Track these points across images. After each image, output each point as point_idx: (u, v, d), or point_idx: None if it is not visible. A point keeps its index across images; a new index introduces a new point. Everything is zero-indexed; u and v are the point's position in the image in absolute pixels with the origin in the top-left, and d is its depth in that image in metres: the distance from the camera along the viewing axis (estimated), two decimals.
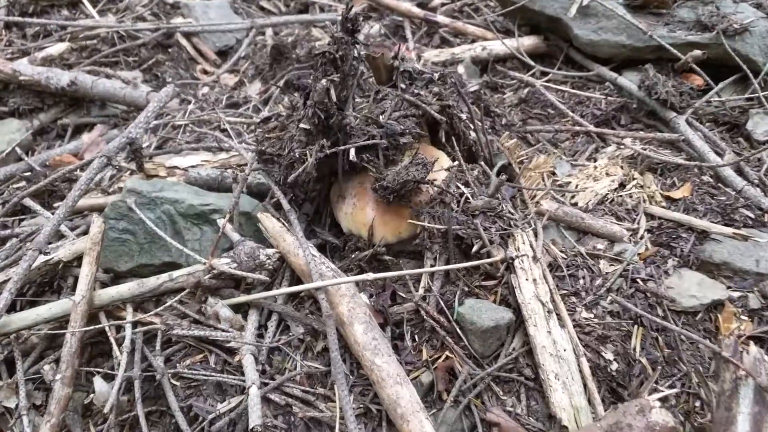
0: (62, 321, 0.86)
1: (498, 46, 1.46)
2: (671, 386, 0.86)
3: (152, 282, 0.88)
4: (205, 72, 1.60)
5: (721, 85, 1.34)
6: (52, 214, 1.06)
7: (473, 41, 1.56)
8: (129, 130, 0.97)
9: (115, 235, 0.90)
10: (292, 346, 0.85)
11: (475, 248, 0.87)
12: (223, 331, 0.84)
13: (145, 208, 0.92)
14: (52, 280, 0.96)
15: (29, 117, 1.44)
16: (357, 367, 0.84)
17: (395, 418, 0.73)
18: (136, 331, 0.83)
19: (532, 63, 1.43)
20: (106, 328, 0.83)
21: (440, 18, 1.57)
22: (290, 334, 0.86)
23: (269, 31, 1.70)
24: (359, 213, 0.90)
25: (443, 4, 1.72)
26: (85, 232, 1.01)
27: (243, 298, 0.87)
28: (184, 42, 1.63)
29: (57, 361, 0.84)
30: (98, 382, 0.79)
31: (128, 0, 1.77)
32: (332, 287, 0.84)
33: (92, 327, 0.81)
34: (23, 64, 1.45)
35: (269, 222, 0.91)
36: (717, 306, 0.94)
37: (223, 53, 1.67)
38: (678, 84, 1.23)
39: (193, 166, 1.07)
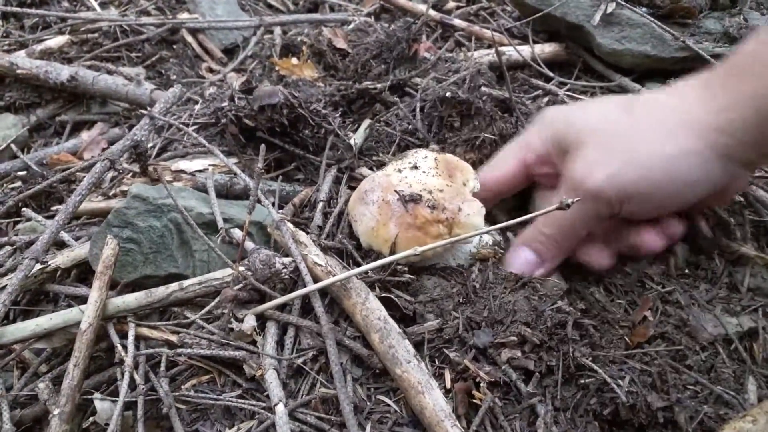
0: (64, 332, 0.80)
1: (520, 52, 1.41)
2: None
3: (161, 292, 0.82)
4: (211, 70, 1.54)
5: None
6: (49, 218, 1.00)
7: (489, 46, 1.51)
8: (134, 132, 0.92)
9: (119, 244, 0.84)
10: (306, 364, 0.80)
11: None
12: (236, 348, 0.78)
13: (151, 215, 0.86)
14: (48, 290, 0.90)
15: (26, 112, 1.38)
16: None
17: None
18: (140, 353, 0.77)
19: (549, 73, 1.38)
20: (118, 348, 0.77)
21: (457, 21, 1.52)
22: (305, 351, 0.80)
23: (278, 30, 1.64)
24: (382, 228, 0.85)
25: (458, 7, 1.67)
26: (88, 238, 0.95)
27: (260, 308, 0.81)
28: (189, 38, 1.57)
29: (55, 379, 0.78)
30: (99, 403, 0.74)
31: None
32: (343, 294, 0.80)
33: (97, 353, 0.75)
34: (21, 57, 1.39)
35: (279, 233, 0.86)
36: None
37: (230, 51, 1.61)
38: None
39: (200, 171, 1.02)
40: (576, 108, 0.90)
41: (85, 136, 1.31)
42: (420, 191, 0.86)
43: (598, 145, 0.80)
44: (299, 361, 0.78)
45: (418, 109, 1.07)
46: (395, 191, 0.86)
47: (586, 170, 0.79)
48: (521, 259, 0.88)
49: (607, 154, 0.79)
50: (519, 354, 0.76)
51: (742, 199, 1.06)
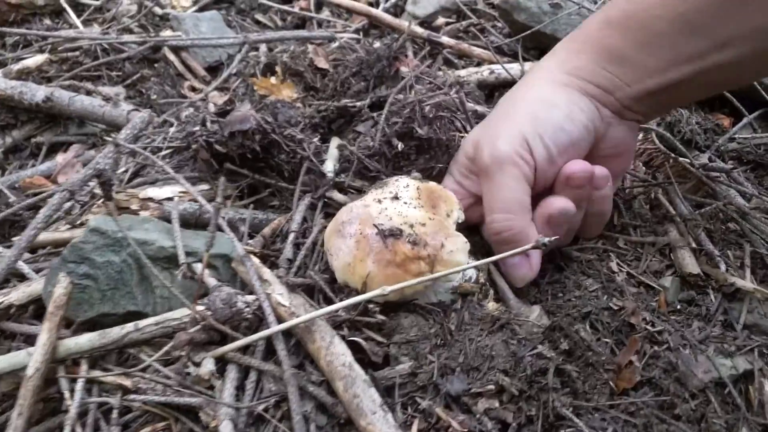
0: (12, 376, 0.76)
1: (508, 70, 1.36)
2: None
3: (116, 332, 0.78)
4: (194, 89, 1.50)
5: (745, 120, 1.26)
6: (9, 248, 0.96)
7: (479, 64, 1.47)
8: (96, 161, 0.87)
9: (74, 281, 0.80)
10: (268, 411, 0.75)
11: None
12: (192, 395, 0.74)
13: (109, 250, 0.82)
14: (3, 327, 0.86)
15: (1, 134, 1.34)
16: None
17: None
18: (91, 401, 0.72)
19: None
20: (65, 396, 0.73)
21: (444, 39, 1.48)
22: (267, 397, 0.75)
23: (263, 47, 1.60)
24: (359, 265, 0.80)
25: (447, 24, 1.63)
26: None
27: (219, 351, 0.76)
28: (171, 57, 1.53)
29: (1, 425, 0.74)
30: None
31: (116, 10, 1.68)
32: (307, 337, 0.75)
33: (50, 396, 0.71)
34: None
35: (243, 269, 0.81)
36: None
37: (214, 69, 1.57)
38: (702, 120, 1.14)
39: (169, 199, 0.97)
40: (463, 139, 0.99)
41: (60, 158, 1.27)
42: (400, 225, 0.82)
43: (486, 131, 0.89)
44: (260, 408, 0.73)
45: (379, 132, 1.02)
46: (374, 225, 0.82)
47: (488, 148, 0.85)
48: (514, 268, 0.87)
49: (496, 128, 0.87)
50: (497, 404, 0.71)
51: (738, 228, 1.01)
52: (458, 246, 0.82)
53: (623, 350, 0.80)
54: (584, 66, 0.85)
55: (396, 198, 0.87)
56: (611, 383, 0.76)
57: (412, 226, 0.82)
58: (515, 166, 0.83)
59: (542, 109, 0.85)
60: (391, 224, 0.81)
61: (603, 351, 0.80)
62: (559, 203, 0.86)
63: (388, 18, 1.56)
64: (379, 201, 0.87)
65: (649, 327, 0.83)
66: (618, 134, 0.89)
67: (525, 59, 1.43)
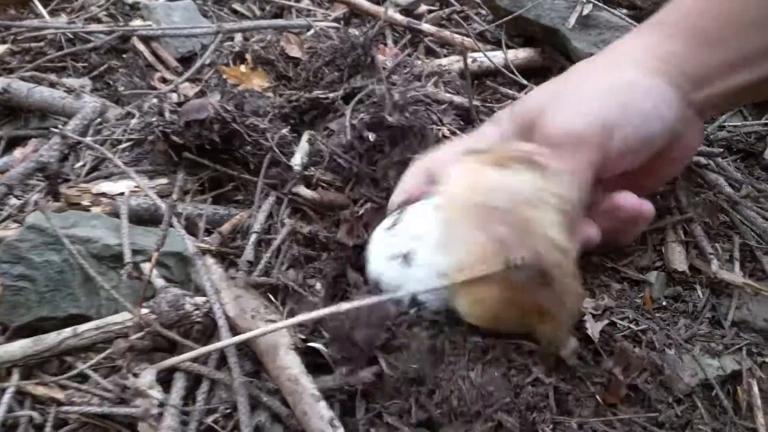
0: None
1: (490, 58, 1.30)
2: None
3: (51, 339, 0.71)
4: (164, 80, 1.44)
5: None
6: None
7: (461, 52, 1.40)
8: (40, 153, 0.82)
9: (8, 283, 0.74)
10: (218, 422, 0.69)
11: None
12: (132, 405, 0.68)
13: (49, 248, 0.76)
14: None
15: None
16: None
17: None
18: (22, 414, 0.66)
19: (523, 80, 1.28)
20: None
21: (425, 26, 1.42)
22: (216, 407, 0.69)
23: (239, 37, 1.54)
24: (483, 287, 0.62)
25: (430, 11, 1.57)
26: None
27: (165, 363, 0.70)
28: (141, 47, 1.46)
29: None
30: None
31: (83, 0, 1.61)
32: (254, 347, 0.70)
33: None
34: None
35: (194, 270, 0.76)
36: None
37: (187, 60, 1.50)
38: None
39: (122, 194, 0.91)
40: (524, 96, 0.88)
41: (17, 153, 1.20)
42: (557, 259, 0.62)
43: (558, 100, 0.76)
44: (209, 420, 0.67)
45: (348, 127, 0.96)
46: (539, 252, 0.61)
47: (561, 119, 0.73)
48: None
49: (573, 102, 0.75)
50: None
51: (727, 219, 0.96)
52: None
53: (612, 361, 0.73)
54: (678, 52, 0.74)
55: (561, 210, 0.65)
56: (597, 397, 0.70)
57: (562, 267, 0.63)
58: (590, 149, 0.71)
59: (629, 96, 0.73)
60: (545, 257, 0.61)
61: (589, 359, 0.73)
62: (588, 231, 0.75)
63: (368, 5, 1.50)
64: (551, 203, 0.65)
65: (632, 326, 0.78)
66: (692, 136, 0.80)
67: (509, 47, 1.37)
